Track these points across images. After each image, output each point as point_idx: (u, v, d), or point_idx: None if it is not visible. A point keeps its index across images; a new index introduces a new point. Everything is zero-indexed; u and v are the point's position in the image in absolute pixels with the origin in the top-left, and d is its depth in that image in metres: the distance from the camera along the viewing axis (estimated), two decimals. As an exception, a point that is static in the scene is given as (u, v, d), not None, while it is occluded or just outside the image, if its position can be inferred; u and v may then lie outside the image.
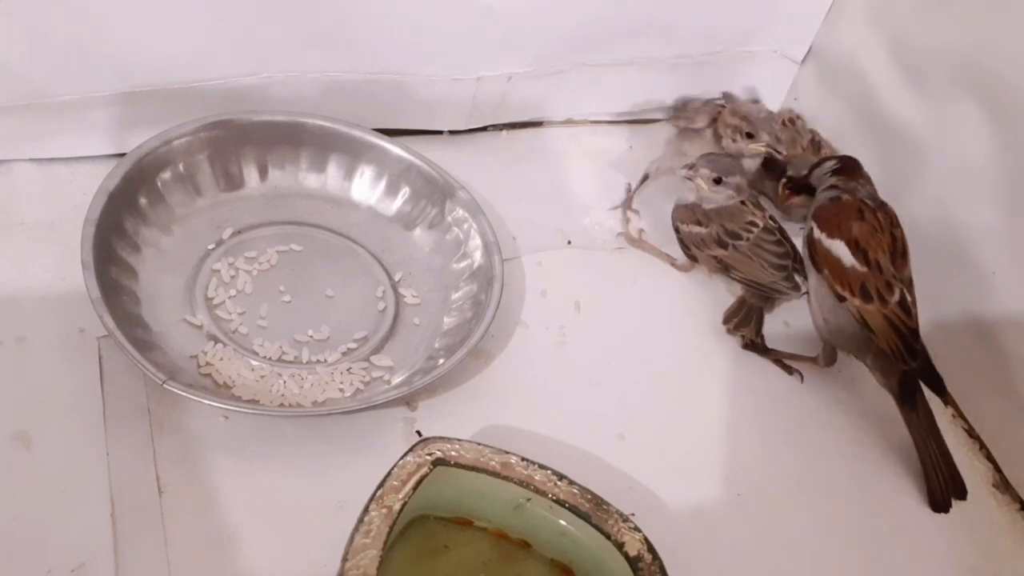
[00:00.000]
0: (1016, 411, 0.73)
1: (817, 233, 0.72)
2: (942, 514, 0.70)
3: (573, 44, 0.83)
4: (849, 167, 0.74)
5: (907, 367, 0.69)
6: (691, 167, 0.77)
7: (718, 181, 0.77)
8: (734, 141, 0.81)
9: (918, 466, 0.72)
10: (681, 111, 0.88)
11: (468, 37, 0.78)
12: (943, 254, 0.77)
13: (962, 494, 0.71)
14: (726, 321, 0.78)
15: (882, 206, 0.72)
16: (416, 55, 0.78)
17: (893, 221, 0.72)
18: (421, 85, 0.80)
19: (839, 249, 0.70)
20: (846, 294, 0.70)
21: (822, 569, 0.66)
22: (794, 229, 0.79)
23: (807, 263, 0.74)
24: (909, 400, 0.70)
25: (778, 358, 0.77)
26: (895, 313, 0.69)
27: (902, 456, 0.73)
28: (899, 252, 0.71)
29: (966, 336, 0.76)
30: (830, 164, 0.75)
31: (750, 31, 0.89)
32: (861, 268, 0.70)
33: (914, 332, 0.70)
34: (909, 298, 0.70)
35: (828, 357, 0.75)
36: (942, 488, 0.70)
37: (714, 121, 0.83)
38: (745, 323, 0.77)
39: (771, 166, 0.83)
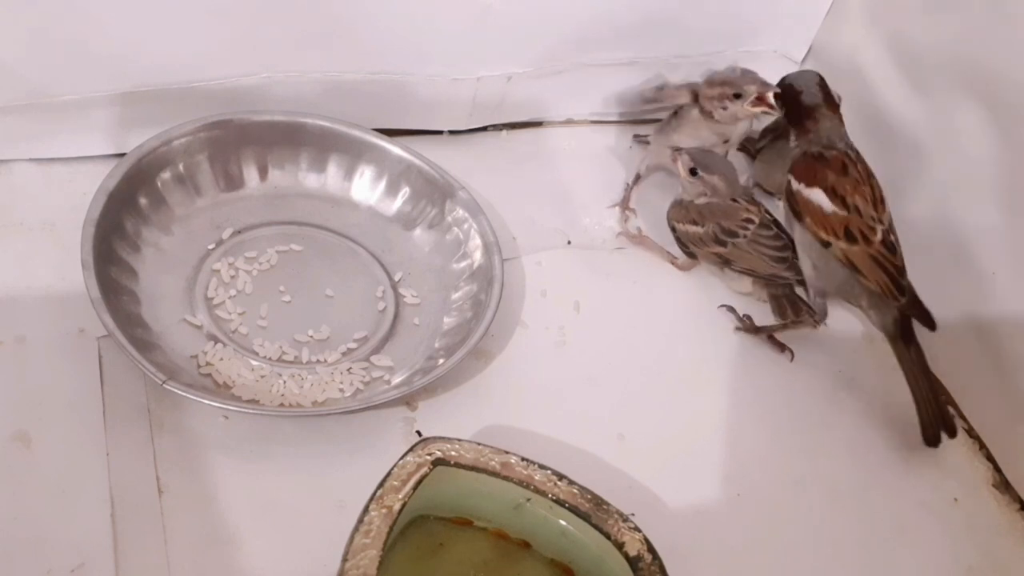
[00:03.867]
0: (1016, 411, 0.73)
1: (795, 185, 0.73)
2: (933, 447, 0.72)
3: (573, 44, 0.83)
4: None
5: (897, 302, 0.71)
6: (678, 149, 0.78)
7: (693, 172, 0.77)
8: (725, 109, 0.79)
9: (919, 466, 0.72)
10: (656, 98, 0.87)
11: (468, 37, 0.78)
12: (943, 254, 0.77)
13: (951, 431, 0.72)
14: (785, 318, 0.77)
15: (859, 156, 0.73)
16: (416, 55, 0.78)
17: (869, 173, 0.73)
18: (421, 85, 0.80)
19: (818, 196, 0.72)
20: (830, 238, 0.72)
21: (822, 569, 0.66)
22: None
23: (789, 217, 0.75)
24: (903, 337, 0.72)
25: (770, 334, 0.77)
26: (880, 252, 0.71)
27: (902, 456, 0.73)
28: (878, 199, 0.72)
29: (966, 336, 0.75)
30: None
31: (750, 31, 0.89)
32: (841, 212, 0.71)
33: (900, 269, 0.72)
34: (892, 237, 0.72)
35: (820, 313, 0.76)
36: (933, 422, 0.72)
37: (697, 98, 0.81)
38: (796, 307, 0.77)
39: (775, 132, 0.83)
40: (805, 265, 0.75)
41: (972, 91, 0.74)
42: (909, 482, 0.72)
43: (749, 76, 0.79)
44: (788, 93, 0.76)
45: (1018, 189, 0.71)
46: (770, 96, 0.77)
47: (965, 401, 0.78)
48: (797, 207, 0.73)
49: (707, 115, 0.80)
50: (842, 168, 0.72)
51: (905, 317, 0.72)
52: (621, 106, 0.91)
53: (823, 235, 0.72)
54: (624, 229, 0.83)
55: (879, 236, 0.71)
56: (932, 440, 0.72)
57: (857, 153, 0.74)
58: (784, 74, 0.88)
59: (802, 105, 0.75)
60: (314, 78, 0.77)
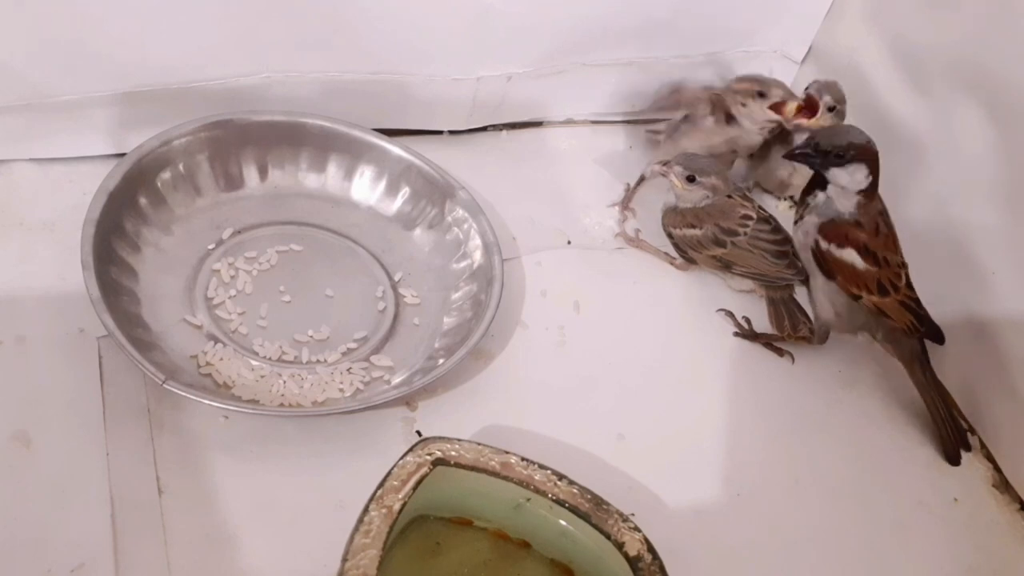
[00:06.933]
0: (1016, 411, 0.73)
1: (825, 245, 0.73)
2: (955, 466, 0.73)
3: (573, 44, 0.83)
4: (873, 190, 0.72)
5: (919, 334, 0.73)
6: (665, 163, 0.78)
7: (691, 179, 0.77)
8: (744, 106, 0.79)
9: (919, 466, 0.72)
10: (671, 103, 0.86)
11: (468, 37, 0.78)
12: (943, 254, 0.77)
13: (967, 446, 0.74)
14: (781, 331, 0.77)
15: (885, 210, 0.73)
16: (416, 55, 0.78)
17: (881, 210, 0.73)
18: (421, 85, 0.80)
19: (851, 256, 0.72)
20: (862, 293, 0.72)
21: (822, 569, 0.66)
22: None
23: (813, 269, 0.74)
24: (919, 363, 0.73)
25: (768, 341, 0.77)
26: (906, 295, 0.72)
27: (902, 456, 0.73)
28: (890, 233, 0.73)
29: (966, 336, 0.76)
30: (861, 177, 0.70)
31: (750, 31, 0.89)
32: (873, 268, 0.71)
33: (918, 302, 0.73)
34: (907, 269, 0.73)
35: (822, 336, 0.76)
36: (953, 442, 0.73)
37: (715, 107, 0.81)
38: (794, 320, 0.77)
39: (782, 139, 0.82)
40: (826, 311, 0.75)
41: (972, 91, 0.74)
42: (909, 482, 0.72)
43: (779, 82, 0.79)
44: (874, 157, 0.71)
45: (1018, 189, 0.71)
46: (790, 107, 0.77)
47: (965, 401, 0.77)
48: (827, 266, 0.73)
49: (723, 121, 0.80)
50: (875, 229, 0.72)
51: (920, 343, 0.73)
52: (633, 107, 0.90)
53: (854, 291, 0.72)
54: (622, 230, 0.83)
55: (904, 280, 0.72)
56: (953, 459, 0.73)
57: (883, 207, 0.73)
58: (784, 75, 0.89)
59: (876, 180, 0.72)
60: (314, 78, 0.77)
